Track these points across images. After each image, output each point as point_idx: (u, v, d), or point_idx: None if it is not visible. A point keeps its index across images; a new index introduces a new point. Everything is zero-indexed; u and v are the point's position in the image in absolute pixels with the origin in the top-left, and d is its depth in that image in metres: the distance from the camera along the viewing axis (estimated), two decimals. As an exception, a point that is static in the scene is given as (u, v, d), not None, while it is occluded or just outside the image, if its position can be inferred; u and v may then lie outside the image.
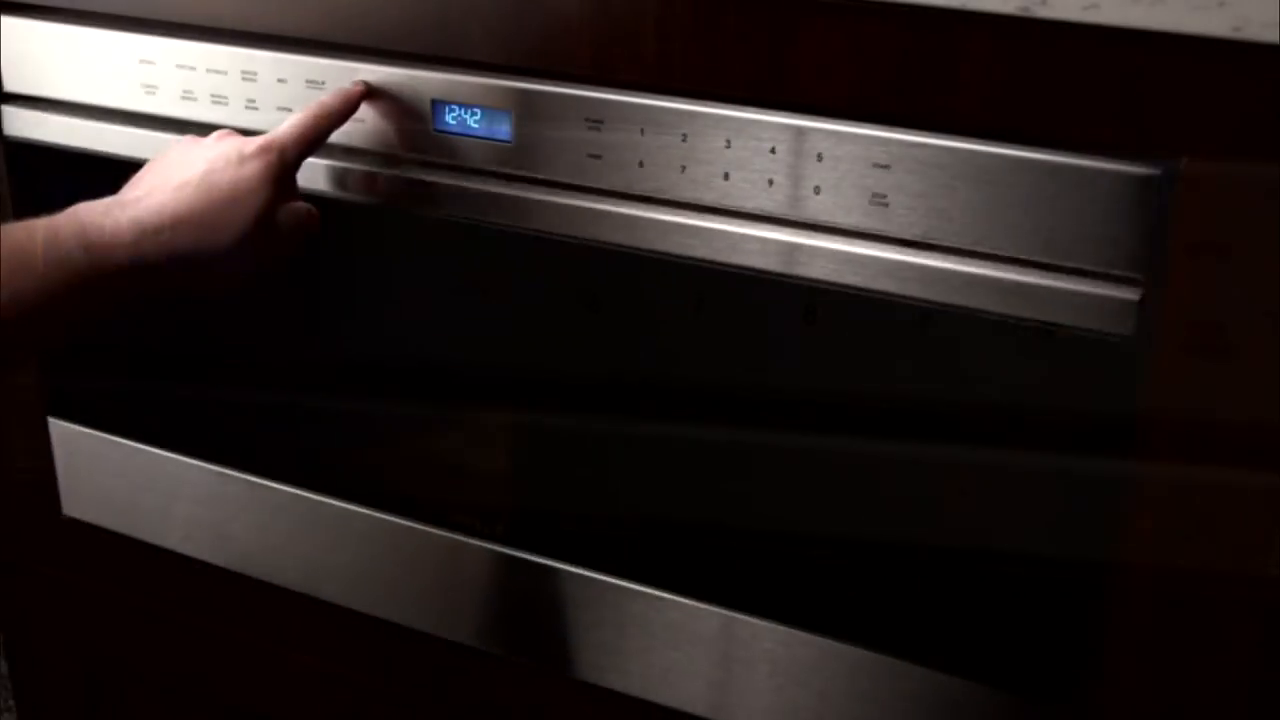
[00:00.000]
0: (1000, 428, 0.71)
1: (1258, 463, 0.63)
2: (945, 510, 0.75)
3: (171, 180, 0.74)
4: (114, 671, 1.08)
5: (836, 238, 0.70)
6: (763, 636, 0.80)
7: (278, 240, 0.76)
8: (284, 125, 0.76)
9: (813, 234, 0.70)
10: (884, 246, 0.68)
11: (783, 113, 0.69)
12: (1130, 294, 0.64)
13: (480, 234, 0.79)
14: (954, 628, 0.76)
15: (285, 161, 0.75)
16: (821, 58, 0.66)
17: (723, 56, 0.69)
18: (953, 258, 0.67)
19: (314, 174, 0.86)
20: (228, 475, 0.95)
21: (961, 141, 0.65)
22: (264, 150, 0.75)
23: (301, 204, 0.78)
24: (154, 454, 0.98)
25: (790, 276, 0.71)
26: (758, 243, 0.71)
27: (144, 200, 0.72)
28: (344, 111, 0.78)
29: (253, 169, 0.74)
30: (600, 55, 0.72)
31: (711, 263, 0.73)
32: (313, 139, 0.77)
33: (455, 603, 0.91)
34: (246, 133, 0.84)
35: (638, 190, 0.73)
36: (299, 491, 0.93)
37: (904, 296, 0.68)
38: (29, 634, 1.12)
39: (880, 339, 0.75)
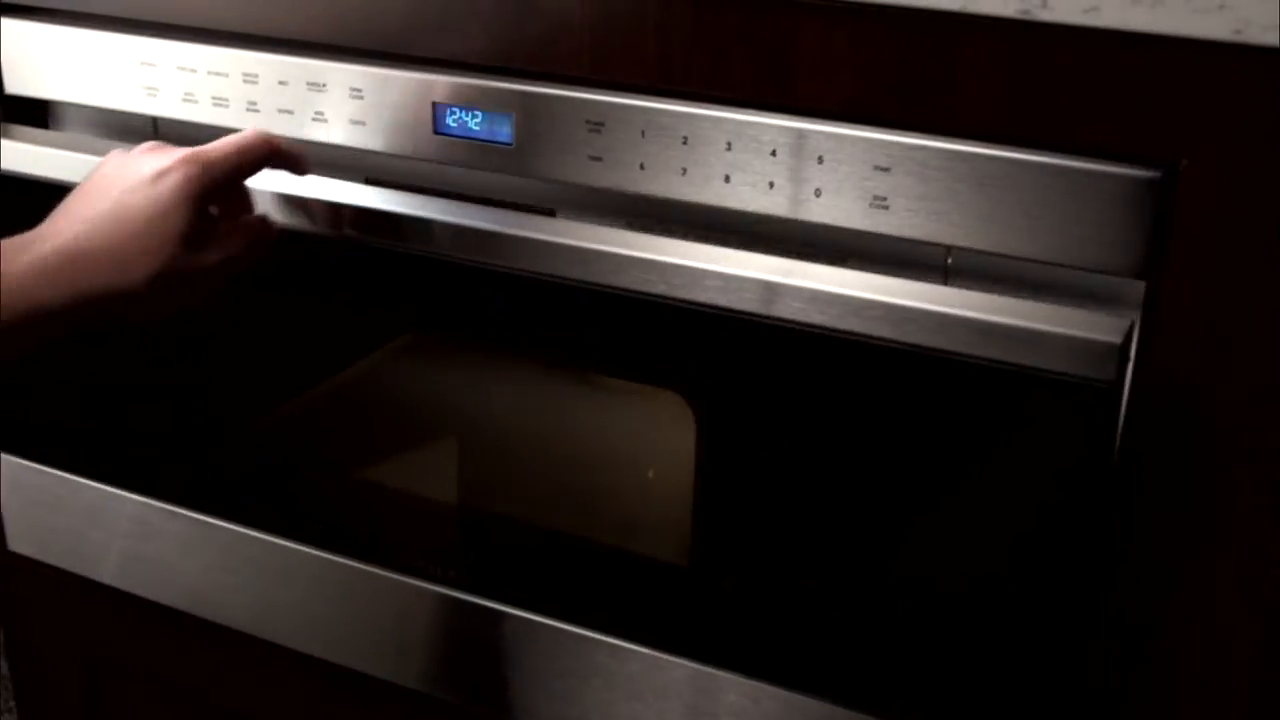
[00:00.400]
0: (976, 465, 0.69)
1: (1258, 467, 0.63)
2: (919, 557, 0.73)
3: (85, 209, 0.69)
4: (114, 672, 1.08)
5: (804, 276, 0.68)
6: (729, 689, 0.78)
7: (208, 261, 0.71)
8: (216, 141, 0.72)
9: (780, 272, 0.68)
10: (852, 286, 0.67)
11: (783, 115, 0.69)
12: (1112, 337, 0.62)
13: (431, 266, 0.77)
14: (928, 681, 0.73)
15: (210, 175, 0.70)
16: (822, 60, 0.67)
17: (723, 59, 0.69)
18: (921, 298, 0.65)
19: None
20: (173, 512, 0.94)
21: (962, 144, 0.65)
22: (184, 162, 0.70)
23: (251, 216, 0.73)
24: (99, 489, 0.96)
25: (756, 315, 0.69)
26: (719, 279, 0.70)
27: (51, 239, 0.68)
28: (283, 151, 0.74)
29: (169, 185, 0.69)
30: (601, 57, 0.72)
31: (669, 299, 0.71)
32: (243, 157, 0.72)
33: (409, 648, 0.89)
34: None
35: (638, 191, 0.73)
36: (246, 530, 0.91)
37: (870, 337, 0.66)
38: (30, 634, 1.12)
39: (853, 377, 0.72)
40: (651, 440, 0.81)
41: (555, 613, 0.82)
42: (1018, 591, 0.69)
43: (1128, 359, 0.63)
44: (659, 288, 0.71)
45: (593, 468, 0.83)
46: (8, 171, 0.88)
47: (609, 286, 0.72)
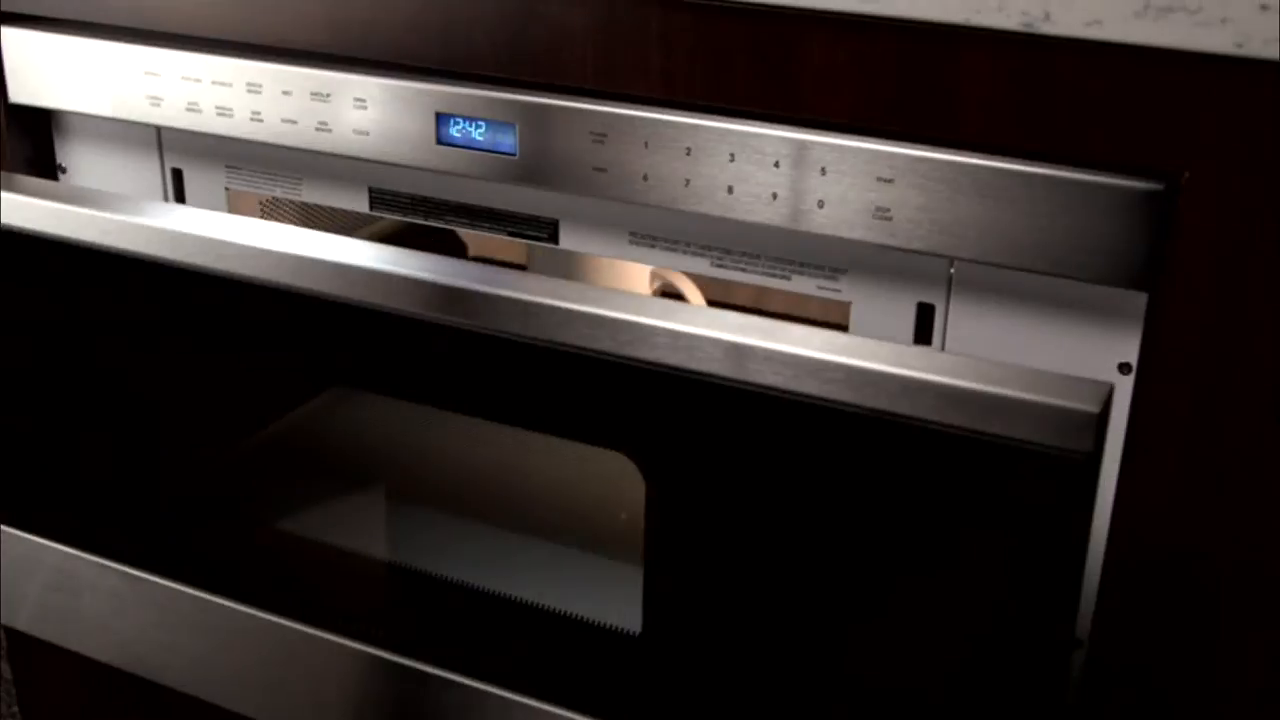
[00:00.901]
0: (943, 538, 0.64)
1: (1258, 480, 0.63)
2: (882, 631, 0.67)
3: None
4: (114, 676, 1.08)
5: (759, 333, 0.64)
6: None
7: None
8: None
9: (733, 329, 0.65)
10: (811, 345, 0.63)
11: (786, 127, 0.69)
12: (1090, 406, 0.58)
13: (360, 316, 0.74)
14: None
15: None
16: (825, 71, 0.67)
17: (727, 70, 0.69)
18: (884, 360, 0.61)
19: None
20: (104, 566, 0.92)
21: (965, 156, 0.65)
22: None
23: None
24: (32, 542, 0.94)
25: (707, 375, 0.65)
26: (668, 336, 0.66)
27: None
28: None
29: None
30: (605, 68, 0.72)
31: (616, 357, 0.67)
32: None
33: (350, 713, 0.85)
34: (249, 144, 0.85)
35: (641, 202, 0.74)
36: (180, 587, 0.89)
37: (828, 400, 0.63)
38: (32, 638, 1.12)
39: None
40: (599, 501, 0.78)
41: (502, 680, 0.79)
42: (987, 673, 0.65)
43: (1106, 428, 0.59)
44: (605, 344, 0.67)
45: (540, 528, 0.80)
46: (7, 226, 0.85)
47: (552, 342, 0.69)
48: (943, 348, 0.72)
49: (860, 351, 0.62)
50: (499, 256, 1.12)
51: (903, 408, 0.61)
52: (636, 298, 0.68)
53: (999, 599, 0.64)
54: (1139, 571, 0.67)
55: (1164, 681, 0.68)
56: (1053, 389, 0.59)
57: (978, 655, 0.65)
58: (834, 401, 0.63)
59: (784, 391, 0.63)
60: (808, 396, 0.63)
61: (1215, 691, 0.67)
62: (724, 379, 0.65)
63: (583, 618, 0.77)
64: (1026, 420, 0.59)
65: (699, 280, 1.02)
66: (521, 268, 1.02)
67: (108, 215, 0.80)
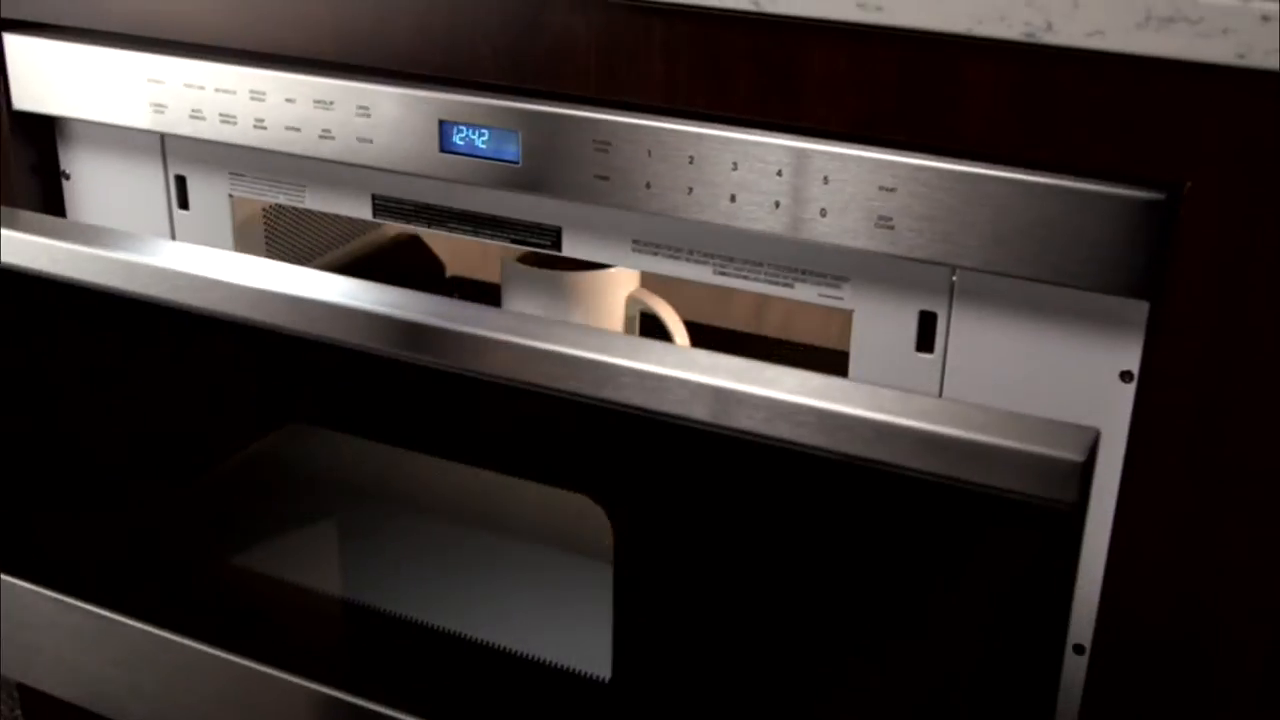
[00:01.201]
0: (917, 588, 0.61)
1: (1260, 486, 0.64)
2: (857, 683, 0.65)
3: None
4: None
5: (727, 374, 0.61)
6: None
7: None
8: None
9: (701, 369, 0.62)
10: (783, 387, 0.61)
11: (789, 135, 0.69)
12: (1074, 454, 0.55)
13: (317, 350, 0.73)
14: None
15: None
16: (827, 81, 0.67)
17: (730, 79, 0.69)
18: (858, 403, 0.59)
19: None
20: (67, 604, 0.90)
21: (967, 165, 0.66)
22: None
23: None
24: None
25: (673, 417, 0.63)
26: (633, 376, 0.63)
27: None
28: None
29: None
30: (608, 77, 0.72)
31: (580, 397, 0.65)
32: None
33: None
34: (252, 151, 0.85)
35: (644, 210, 0.74)
36: (142, 625, 0.88)
37: (799, 444, 0.60)
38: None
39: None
40: (567, 541, 0.76)
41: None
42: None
43: (1092, 476, 0.57)
44: (570, 384, 0.65)
45: (505, 568, 0.78)
46: (8, 265, 0.82)
47: (514, 381, 0.67)
48: (944, 356, 0.72)
49: (834, 395, 0.60)
50: (476, 275, 1.12)
51: (878, 453, 0.59)
52: (603, 335, 0.66)
53: (981, 651, 0.61)
54: (1140, 578, 0.67)
55: (1165, 687, 0.69)
56: (1035, 436, 0.56)
57: (960, 707, 0.63)
58: (806, 446, 0.60)
59: (755, 435, 0.61)
60: (779, 440, 0.60)
61: (1216, 693, 0.68)
62: (693, 421, 0.63)
63: (550, 662, 0.76)
64: (1008, 468, 0.56)
65: (700, 286, 1.02)
66: (495, 287, 1.01)
67: (59, 244, 0.79)
